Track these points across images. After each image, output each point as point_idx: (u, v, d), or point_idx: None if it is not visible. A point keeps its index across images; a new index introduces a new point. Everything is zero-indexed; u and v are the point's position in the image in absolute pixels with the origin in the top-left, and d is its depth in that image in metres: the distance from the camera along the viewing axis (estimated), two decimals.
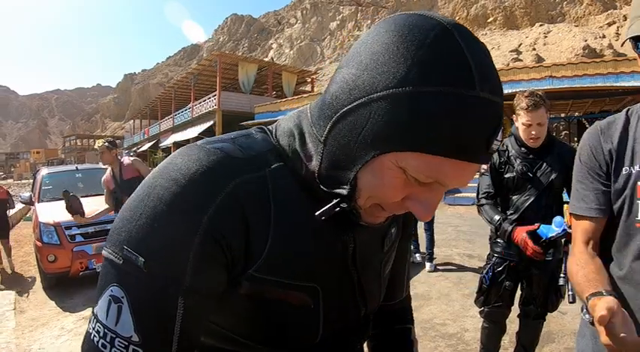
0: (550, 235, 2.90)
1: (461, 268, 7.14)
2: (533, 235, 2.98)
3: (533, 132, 3.13)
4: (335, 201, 0.76)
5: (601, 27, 45.86)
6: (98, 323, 0.69)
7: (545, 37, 46.16)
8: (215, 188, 0.71)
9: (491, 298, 3.46)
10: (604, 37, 42.41)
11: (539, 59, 38.76)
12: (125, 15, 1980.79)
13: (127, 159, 6.20)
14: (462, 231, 10.13)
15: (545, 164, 3.22)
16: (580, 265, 1.49)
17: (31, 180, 11.69)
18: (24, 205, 11.66)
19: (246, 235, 0.74)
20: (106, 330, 0.68)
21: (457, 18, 64.42)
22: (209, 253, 0.70)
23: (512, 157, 3.34)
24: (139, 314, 0.67)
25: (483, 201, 3.49)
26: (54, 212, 7.90)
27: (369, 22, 70.99)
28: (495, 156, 3.43)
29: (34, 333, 5.67)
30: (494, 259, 3.47)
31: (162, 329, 0.68)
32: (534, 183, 3.23)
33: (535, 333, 3.53)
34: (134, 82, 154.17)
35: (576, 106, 22.15)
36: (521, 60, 40.67)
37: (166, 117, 46.96)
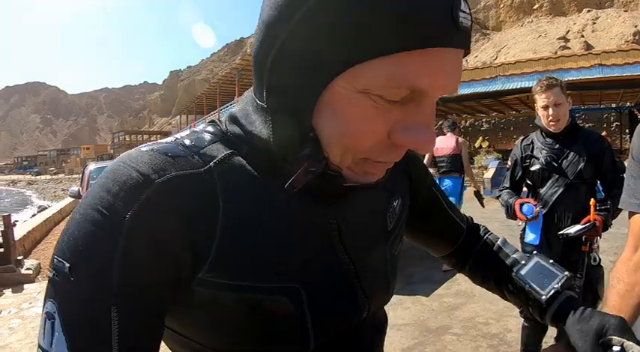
0: (568, 232, 2.92)
1: None
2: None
3: (551, 114, 3.01)
4: (302, 167, 0.64)
5: None
6: (38, 349, 0.61)
7: (594, 23, 44.91)
8: (141, 185, 0.62)
9: None
10: None
11: (588, 46, 37.69)
12: (170, 12, 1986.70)
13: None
14: (508, 225, 9.77)
15: (572, 153, 3.07)
16: (615, 278, 1.38)
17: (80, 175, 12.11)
18: (73, 199, 12.07)
19: (188, 234, 0.63)
20: None
21: (502, 5, 63.19)
22: (136, 255, 0.60)
23: (537, 149, 3.22)
24: (70, 328, 0.58)
25: (501, 192, 3.44)
26: None
27: None
28: (519, 150, 3.33)
29: None
30: None
31: (96, 343, 0.58)
32: (561, 174, 3.09)
33: None
34: (180, 79, 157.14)
35: (628, 96, 21.45)
36: (569, 48, 39.67)
37: (212, 112, 47.63)
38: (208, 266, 0.64)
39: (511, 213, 3.25)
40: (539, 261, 1.00)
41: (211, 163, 0.68)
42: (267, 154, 0.69)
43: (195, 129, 0.76)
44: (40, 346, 0.60)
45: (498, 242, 1.13)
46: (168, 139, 0.73)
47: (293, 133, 0.64)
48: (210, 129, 0.76)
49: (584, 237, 2.95)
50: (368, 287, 0.81)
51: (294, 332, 0.71)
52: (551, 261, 1.00)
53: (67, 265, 0.59)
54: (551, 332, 3.45)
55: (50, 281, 0.61)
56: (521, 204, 3.14)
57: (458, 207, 6.95)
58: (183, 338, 0.72)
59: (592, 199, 2.93)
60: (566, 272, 0.97)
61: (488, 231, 1.19)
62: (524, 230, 3.34)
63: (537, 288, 0.95)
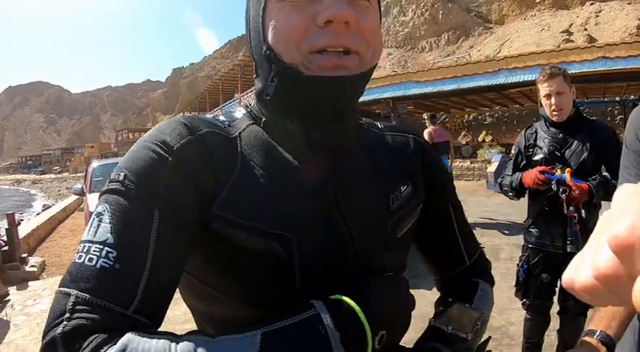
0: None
1: (509, 259, 6.85)
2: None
3: (553, 103, 2.99)
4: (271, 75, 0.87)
5: None
6: (80, 244, 0.71)
7: (597, 16, 44.59)
8: (187, 131, 0.81)
9: (530, 291, 3.28)
10: None
11: (592, 39, 37.44)
12: (171, 10, 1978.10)
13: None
14: (512, 220, 9.82)
15: (575, 142, 3.05)
16: None
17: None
18: (77, 196, 12.13)
19: (212, 173, 0.80)
20: (84, 244, 0.70)
21: None
22: (178, 176, 0.76)
23: (540, 139, 3.20)
24: (117, 220, 0.71)
25: (502, 179, 3.37)
26: None
27: (414, 6, 70.04)
28: (523, 139, 3.30)
29: None
30: (528, 251, 3.29)
31: (137, 234, 0.71)
32: (564, 163, 3.04)
33: (577, 330, 3.23)
34: (183, 76, 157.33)
35: (632, 89, 21.25)
36: (572, 41, 39.43)
37: (215, 109, 47.52)
38: (219, 203, 0.79)
39: (517, 186, 3.17)
40: None
41: (236, 132, 0.89)
42: (271, 118, 0.91)
43: (229, 110, 0.99)
44: (82, 241, 0.72)
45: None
46: (208, 115, 0.95)
47: (264, 62, 0.88)
48: (241, 109, 0.97)
49: (565, 203, 2.90)
50: (360, 247, 0.89)
51: (283, 276, 0.82)
52: None
53: (123, 174, 0.75)
54: (554, 324, 3.44)
55: (104, 192, 0.76)
56: (541, 172, 3.01)
57: None
58: (197, 282, 0.86)
59: (567, 168, 2.94)
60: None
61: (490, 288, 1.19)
62: (526, 220, 3.35)
63: None
